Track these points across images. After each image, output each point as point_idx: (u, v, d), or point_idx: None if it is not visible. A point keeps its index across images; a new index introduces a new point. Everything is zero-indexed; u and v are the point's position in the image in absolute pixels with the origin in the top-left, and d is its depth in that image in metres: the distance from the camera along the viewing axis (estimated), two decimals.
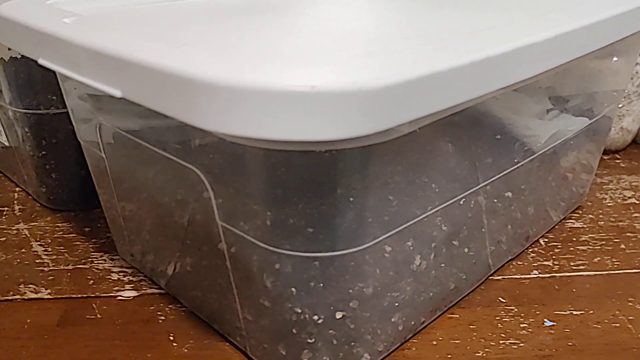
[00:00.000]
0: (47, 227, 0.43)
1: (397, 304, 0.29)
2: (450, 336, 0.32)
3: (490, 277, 0.37)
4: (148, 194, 0.32)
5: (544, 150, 0.36)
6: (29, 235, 0.42)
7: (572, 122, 0.38)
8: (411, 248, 0.28)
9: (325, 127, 0.19)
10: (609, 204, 0.46)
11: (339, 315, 0.27)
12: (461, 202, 0.30)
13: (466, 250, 0.33)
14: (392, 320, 0.29)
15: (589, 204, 0.46)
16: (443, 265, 0.31)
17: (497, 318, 0.34)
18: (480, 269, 0.35)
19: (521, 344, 0.32)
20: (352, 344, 0.28)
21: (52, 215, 0.44)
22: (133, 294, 0.36)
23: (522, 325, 0.33)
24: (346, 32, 0.28)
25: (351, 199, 0.24)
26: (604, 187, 0.48)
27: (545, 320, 0.34)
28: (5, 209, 0.45)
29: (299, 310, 0.26)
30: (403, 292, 0.29)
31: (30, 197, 0.47)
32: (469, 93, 0.22)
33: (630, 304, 0.35)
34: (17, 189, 0.48)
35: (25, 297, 0.35)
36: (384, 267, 0.27)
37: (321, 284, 0.26)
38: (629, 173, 0.51)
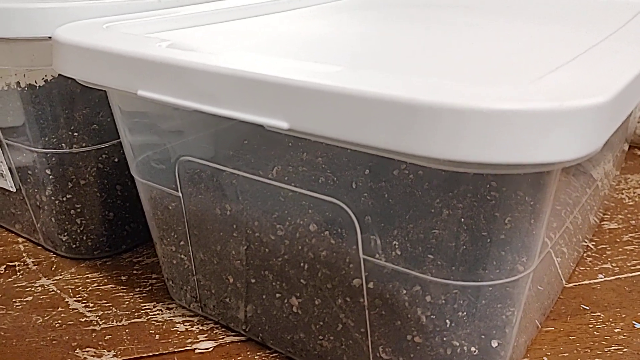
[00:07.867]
0: (76, 280, 0.38)
1: (526, 325, 0.28)
2: (556, 350, 0.32)
3: (564, 286, 0.37)
4: (240, 233, 0.29)
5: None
6: (58, 291, 0.37)
7: None
8: (544, 268, 0.28)
9: (570, 145, 0.18)
10: (629, 204, 0.48)
11: (494, 343, 0.25)
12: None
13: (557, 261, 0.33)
14: (519, 341, 0.29)
15: (612, 204, 0.48)
16: (553, 279, 0.31)
17: (589, 326, 0.34)
18: (558, 279, 0.35)
19: (625, 349, 0.32)
20: None
21: (75, 265, 0.39)
22: (211, 344, 0.32)
23: (616, 330, 0.33)
24: (507, 50, 0.28)
25: (521, 226, 0.23)
26: (616, 187, 0.51)
27: (634, 322, 0.34)
28: (16, 263, 0.40)
29: (456, 343, 0.25)
30: (532, 312, 0.28)
31: (40, 247, 0.41)
32: None
33: None
34: (20, 239, 0.42)
35: None
36: (528, 289, 0.26)
37: (478, 313, 0.24)
38: (632, 172, 0.53)
